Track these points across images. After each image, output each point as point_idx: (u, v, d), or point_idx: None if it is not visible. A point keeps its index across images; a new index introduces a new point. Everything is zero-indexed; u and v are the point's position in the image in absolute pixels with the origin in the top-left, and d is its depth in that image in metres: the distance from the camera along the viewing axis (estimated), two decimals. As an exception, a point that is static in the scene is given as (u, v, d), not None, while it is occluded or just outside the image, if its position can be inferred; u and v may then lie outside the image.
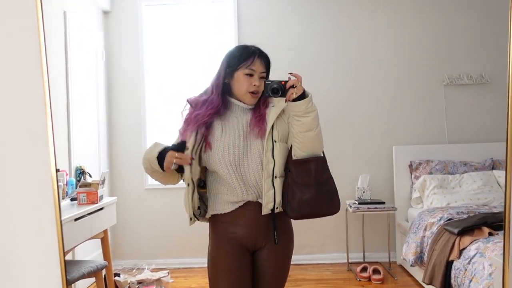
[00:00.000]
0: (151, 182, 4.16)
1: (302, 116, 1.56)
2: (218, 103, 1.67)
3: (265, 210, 1.64)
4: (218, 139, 1.65)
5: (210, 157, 1.66)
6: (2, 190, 1.11)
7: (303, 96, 1.55)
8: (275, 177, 1.63)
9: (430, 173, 3.82)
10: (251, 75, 1.66)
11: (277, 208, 1.64)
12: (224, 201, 1.67)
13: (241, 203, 1.65)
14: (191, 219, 1.72)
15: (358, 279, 3.57)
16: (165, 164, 1.59)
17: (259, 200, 1.65)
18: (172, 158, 1.57)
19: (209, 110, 1.65)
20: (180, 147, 1.60)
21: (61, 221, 1.12)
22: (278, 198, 1.64)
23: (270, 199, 1.63)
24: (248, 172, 1.64)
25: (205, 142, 1.66)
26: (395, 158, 3.99)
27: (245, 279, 1.67)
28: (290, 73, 1.59)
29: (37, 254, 1.13)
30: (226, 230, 1.68)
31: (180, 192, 4.15)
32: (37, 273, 1.13)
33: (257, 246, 1.69)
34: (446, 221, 3.00)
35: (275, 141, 1.63)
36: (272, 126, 1.63)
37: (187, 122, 1.68)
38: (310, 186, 1.61)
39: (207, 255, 1.74)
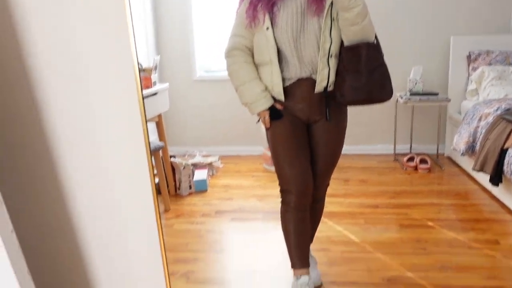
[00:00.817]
0: (200, 74, 4.20)
1: (346, 11, 1.54)
2: None
3: (319, 88, 1.68)
4: (279, 16, 1.64)
5: (275, 34, 1.66)
6: (87, 83, 1.16)
7: None
8: (331, 56, 1.64)
9: (490, 64, 3.62)
10: None
11: (330, 86, 1.68)
12: (282, 77, 1.70)
13: (295, 80, 1.69)
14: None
15: (404, 168, 3.61)
16: (259, 117, 1.75)
17: (312, 76, 1.67)
18: (265, 121, 1.73)
19: None
20: (276, 115, 1.72)
21: (142, 96, 1.17)
22: (332, 77, 1.67)
23: (324, 77, 1.65)
24: (304, 49, 1.65)
25: (271, 20, 1.66)
26: (453, 49, 3.78)
27: (303, 144, 1.74)
28: None
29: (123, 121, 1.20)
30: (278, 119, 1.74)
31: (227, 83, 4.22)
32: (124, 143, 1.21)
33: (310, 119, 1.74)
34: (504, 111, 2.90)
35: (333, 19, 1.61)
36: (331, 3, 1.59)
37: (253, 4, 1.66)
38: (360, 72, 1.62)
39: (265, 133, 1.81)
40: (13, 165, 1.25)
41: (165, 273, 1.29)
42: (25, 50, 1.14)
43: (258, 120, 1.79)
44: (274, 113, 1.72)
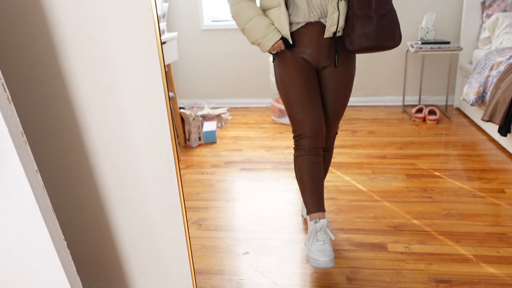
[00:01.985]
0: (207, 23, 4.12)
1: None
2: None
3: (328, 33, 1.68)
4: None
5: None
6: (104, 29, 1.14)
7: None
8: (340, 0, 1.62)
9: (504, 10, 3.52)
10: None
11: (339, 32, 1.68)
12: (290, 21, 1.70)
13: (303, 23, 1.68)
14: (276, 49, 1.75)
15: (412, 119, 3.61)
16: (272, 49, 1.72)
17: (321, 20, 1.67)
18: (279, 48, 1.72)
19: None
20: (288, 44, 1.71)
21: (161, 43, 1.16)
22: (342, 22, 1.67)
23: (334, 21, 1.65)
24: None
25: None
26: (467, -5, 3.66)
27: (314, 87, 1.75)
28: None
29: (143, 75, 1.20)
30: (290, 49, 1.73)
31: (235, 33, 4.14)
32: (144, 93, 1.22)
33: (319, 65, 1.75)
34: (517, 59, 2.85)
35: None
36: None
37: None
38: (370, 17, 1.62)
39: (275, 79, 1.81)
40: (36, 113, 1.28)
41: (184, 220, 1.34)
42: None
43: (273, 59, 1.80)
44: (287, 44, 1.71)
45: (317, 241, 1.68)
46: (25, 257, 1.03)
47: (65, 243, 1.09)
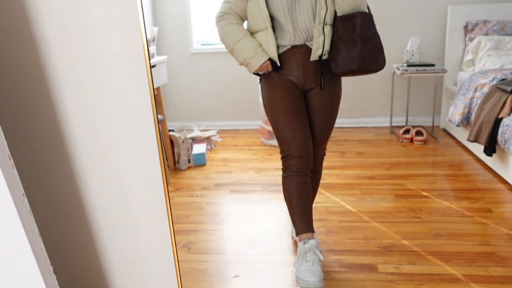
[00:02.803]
0: (196, 46, 4.17)
1: None
2: None
3: (314, 56, 1.72)
4: None
5: (268, 2, 1.69)
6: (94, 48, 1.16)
7: None
8: (326, 24, 1.68)
9: (486, 34, 3.62)
10: None
11: (324, 55, 1.73)
12: (277, 44, 1.74)
13: (289, 47, 1.73)
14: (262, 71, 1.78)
15: (400, 140, 3.66)
16: (259, 69, 1.75)
17: (307, 43, 1.71)
18: (266, 69, 1.75)
19: None
20: (276, 67, 1.75)
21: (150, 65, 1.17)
22: (327, 46, 1.72)
23: (319, 45, 1.70)
24: (299, 16, 1.68)
25: None
26: (450, 19, 3.76)
27: (301, 108, 1.78)
28: None
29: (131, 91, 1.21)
30: (277, 71, 1.77)
31: (224, 56, 4.19)
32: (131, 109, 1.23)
33: (306, 87, 1.79)
34: (500, 81, 2.92)
35: None
36: None
37: None
38: (355, 41, 1.66)
39: (262, 101, 1.84)
40: (23, 135, 1.28)
41: (172, 244, 1.33)
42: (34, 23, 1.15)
43: (260, 80, 1.84)
44: (274, 66, 1.75)
45: (306, 261, 1.68)
46: (10, 283, 1.02)
47: (51, 268, 1.07)
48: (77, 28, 1.15)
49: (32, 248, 0.98)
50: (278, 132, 1.78)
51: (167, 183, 1.26)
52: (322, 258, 1.70)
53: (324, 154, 1.96)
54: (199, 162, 3.27)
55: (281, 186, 2.71)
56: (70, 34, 1.16)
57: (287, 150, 1.76)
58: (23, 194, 0.98)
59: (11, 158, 0.95)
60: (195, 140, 3.59)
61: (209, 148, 3.66)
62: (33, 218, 1.01)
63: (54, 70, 1.20)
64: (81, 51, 1.17)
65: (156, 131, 1.24)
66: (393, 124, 4.08)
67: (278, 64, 1.74)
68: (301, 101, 1.78)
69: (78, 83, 1.21)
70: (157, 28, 2.91)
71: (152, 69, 2.83)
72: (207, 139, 3.68)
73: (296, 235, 1.80)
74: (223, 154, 3.53)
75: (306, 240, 1.75)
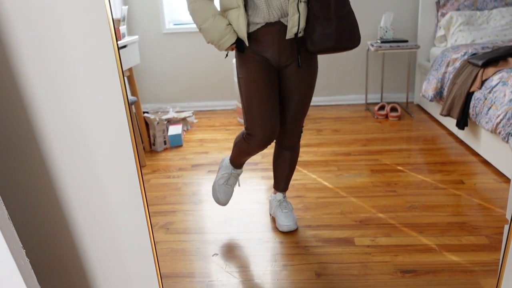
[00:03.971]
0: (168, 26, 4.09)
1: None
2: None
3: (289, 34, 1.70)
4: None
5: None
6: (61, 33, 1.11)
7: None
8: (300, 1, 1.65)
9: (458, 9, 3.66)
10: None
11: (300, 33, 1.70)
12: (250, 22, 1.70)
13: (263, 24, 1.69)
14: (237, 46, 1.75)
15: (375, 117, 3.69)
16: (226, 49, 1.74)
17: (281, 20, 1.68)
18: (231, 49, 1.76)
19: None
20: (241, 48, 1.74)
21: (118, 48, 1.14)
22: (302, 23, 1.68)
23: (294, 23, 1.66)
24: None
25: None
26: (422, -5, 3.78)
27: (274, 88, 1.79)
28: None
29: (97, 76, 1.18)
30: (251, 49, 1.74)
31: (197, 36, 4.13)
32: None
33: (281, 64, 1.77)
34: (471, 55, 2.97)
35: None
36: None
37: None
38: (330, 19, 1.64)
39: (237, 79, 1.82)
40: (-18, 122, 1.23)
41: (148, 224, 1.32)
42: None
43: (227, 55, 1.86)
44: (240, 46, 1.74)
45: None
46: (-20, 268, 0.99)
47: (23, 251, 1.05)
48: (41, 7, 1.10)
49: (1, 231, 0.95)
50: (248, 112, 1.80)
51: (140, 164, 1.24)
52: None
53: (301, 132, 1.96)
54: (175, 144, 3.23)
55: (258, 164, 2.71)
56: (33, 14, 1.11)
57: (251, 129, 1.80)
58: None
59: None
60: (170, 121, 3.54)
61: (185, 129, 3.62)
62: (1, 200, 0.97)
63: (18, 51, 1.15)
64: (46, 32, 1.13)
65: (126, 111, 1.21)
66: (368, 101, 4.11)
67: (247, 44, 1.71)
68: (275, 80, 1.78)
69: (45, 65, 1.17)
70: (126, 7, 2.83)
71: (123, 49, 2.76)
72: (183, 120, 3.64)
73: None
74: (199, 135, 3.50)
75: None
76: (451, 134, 3.16)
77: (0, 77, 1.18)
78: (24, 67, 1.17)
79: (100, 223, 1.37)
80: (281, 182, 2.08)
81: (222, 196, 2.05)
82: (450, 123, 3.16)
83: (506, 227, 1.28)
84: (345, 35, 1.67)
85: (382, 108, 3.78)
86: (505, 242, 1.29)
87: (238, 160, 2.02)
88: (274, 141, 1.97)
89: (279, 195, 2.08)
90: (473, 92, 2.69)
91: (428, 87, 3.33)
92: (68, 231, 1.39)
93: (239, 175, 2.10)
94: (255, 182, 2.52)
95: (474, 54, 2.97)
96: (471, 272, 1.64)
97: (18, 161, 1.29)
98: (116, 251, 1.41)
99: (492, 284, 1.56)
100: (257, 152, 1.89)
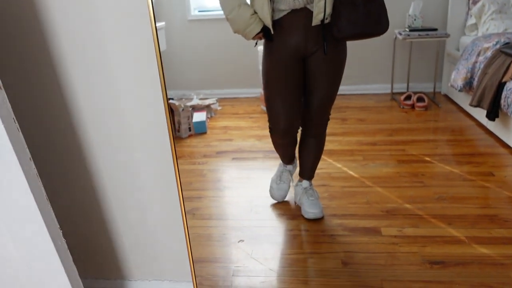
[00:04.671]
0: (194, 13, 4.08)
1: None
2: None
3: (315, 21, 1.67)
4: None
5: None
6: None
7: None
8: None
9: (491, -3, 3.54)
10: None
11: (327, 19, 1.66)
12: (275, 9, 1.67)
13: (289, 10, 1.66)
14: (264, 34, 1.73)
15: (401, 107, 3.63)
16: (253, 38, 1.72)
17: (307, 6, 1.65)
18: (258, 38, 1.74)
19: None
20: (269, 36, 1.71)
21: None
22: (329, 9, 1.64)
23: (320, 9, 1.63)
24: None
25: None
26: (453, -18, 3.67)
27: (297, 81, 1.80)
28: None
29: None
30: (277, 37, 1.71)
31: (222, 23, 4.09)
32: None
33: (307, 51, 1.74)
34: (503, 45, 2.88)
35: None
36: None
37: None
38: (357, 4, 1.61)
39: (262, 65, 1.81)
40: (29, 105, 1.26)
41: (181, 209, 1.33)
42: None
43: (256, 44, 1.82)
44: (268, 35, 1.71)
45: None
46: (20, 247, 1.02)
47: (60, 232, 1.07)
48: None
49: (41, 212, 0.97)
50: (267, 103, 1.84)
51: (175, 150, 1.25)
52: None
53: (328, 119, 1.94)
54: (200, 130, 3.25)
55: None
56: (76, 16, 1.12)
57: (271, 122, 1.88)
58: (30, 158, 0.96)
59: (16, 122, 0.93)
60: (195, 108, 3.55)
61: (209, 116, 3.63)
62: (40, 182, 1.00)
63: (55, 32, 1.16)
64: (83, 13, 1.14)
65: (163, 97, 1.22)
66: (394, 91, 4.04)
67: (272, 32, 1.69)
68: (297, 74, 1.78)
69: (81, 47, 1.18)
70: (154, -8, 2.83)
71: (151, 35, 2.77)
72: (207, 107, 3.65)
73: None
74: (223, 122, 3.51)
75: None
76: (480, 125, 3.09)
77: (39, 61, 1.20)
78: (62, 49, 1.19)
79: (134, 207, 1.39)
80: (306, 170, 2.08)
81: (275, 191, 2.17)
82: (479, 114, 3.09)
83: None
84: (372, 20, 1.64)
85: (408, 98, 3.71)
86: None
87: (279, 154, 2.16)
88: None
89: (305, 183, 2.08)
90: (505, 83, 2.61)
91: (457, 77, 3.25)
92: (101, 213, 1.41)
93: (290, 171, 2.21)
94: (280, 170, 2.52)
95: (507, 43, 2.88)
96: (502, 265, 1.61)
97: (56, 142, 1.32)
98: (148, 234, 1.44)
99: (524, 278, 1.54)
100: (283, 142, 1.90)
